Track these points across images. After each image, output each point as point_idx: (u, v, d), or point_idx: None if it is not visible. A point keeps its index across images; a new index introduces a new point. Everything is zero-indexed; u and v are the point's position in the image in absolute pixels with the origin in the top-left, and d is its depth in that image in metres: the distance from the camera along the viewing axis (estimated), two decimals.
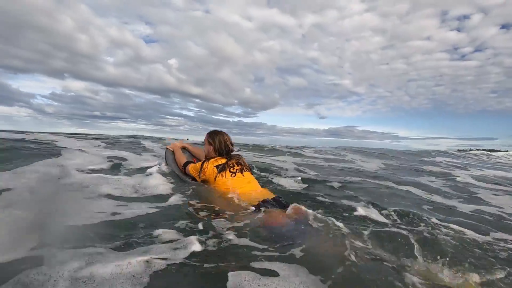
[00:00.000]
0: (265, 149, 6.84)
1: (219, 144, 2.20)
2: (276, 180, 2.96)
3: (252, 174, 2.23)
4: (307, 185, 2.87)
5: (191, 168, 2.25)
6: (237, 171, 2.10)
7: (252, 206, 1.72)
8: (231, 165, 2.11)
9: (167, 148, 2.77)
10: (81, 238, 1.18)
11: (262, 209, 1.64)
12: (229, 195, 1.92)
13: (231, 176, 2.05)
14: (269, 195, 1.91)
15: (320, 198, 2.31)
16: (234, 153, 2.28)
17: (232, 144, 2.25)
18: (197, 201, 1.91)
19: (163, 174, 2.49)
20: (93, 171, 2.52)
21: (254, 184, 2.12)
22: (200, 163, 2.18)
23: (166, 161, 2.69)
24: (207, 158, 2.19)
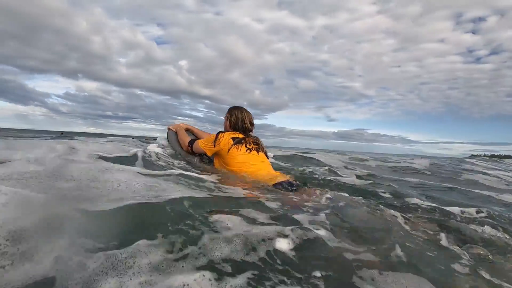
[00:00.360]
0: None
1: (235, 119, 2.11)
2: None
3: (267, 158, 2.15)
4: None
5: (200, 142, 2.13)
6: (253, 149, 2.03)
7: (268, 185, 1.68)
8: (248, 141, 2.04)
9: (169, 129, 2.55)
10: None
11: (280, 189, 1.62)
12: (243, 174, 1.88)
13: (246, 151, 1.98)
14: (283, 177, 1.85)
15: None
16: (253, 134, 2.20)
17: (251, 123, 2.15)
18: (212, 180, 1.71)
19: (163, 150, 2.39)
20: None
21: (267, 164, 2.06)
22: (214, 134, 2.07)
23: (168, 141, 2.51)
24: (223, 130, 2.13)
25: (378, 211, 1.39)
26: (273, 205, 1.33)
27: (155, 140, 2.73)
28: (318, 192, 1.60)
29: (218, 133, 2.05)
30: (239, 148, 1.97)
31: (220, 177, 1.80)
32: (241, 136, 2.05)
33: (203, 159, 2.28)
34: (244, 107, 2.21)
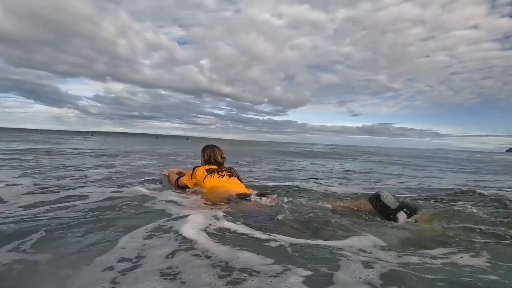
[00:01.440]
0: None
1: (208, 155, 2.74)
2: None
3: (241, 182, 2.67)
4: None
5: (182, 178, 2.69)
6: (225, 175, 2.59)
7: (234, 196, 2.26)
8: (220, 170, 2.62)
9: (163, 174, 3.16)
10: None
11: (247, 198, 2.16)
12: (216, 191, 2.43)
13: (218, 177, 2.55)
14: (244, 191, 2.44)
15: None
16: (227, 165, 2.78)
17: (222, 157, 2.76)
18: (188, 198, 2.39)
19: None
20: None
21: (239, 186, 2.56)
22: (191, 170, 2.65)
23: (162, 183, 3.08)
24: (199, 166, 2.68)
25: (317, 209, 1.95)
26: (226, 208, 2.04)
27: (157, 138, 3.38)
28: (278, 199, 2.14)
29: (193, 168, 2.65)
30: (212, 176, 2.55)
31: (193, 196, 2.45)
32: (214, 167, 2.64)
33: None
34: (216, 145, 2.85)
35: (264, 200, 2.15)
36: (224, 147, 3.33)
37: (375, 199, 1.87)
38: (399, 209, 1.81)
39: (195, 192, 2.55)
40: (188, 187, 2.65)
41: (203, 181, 2.54)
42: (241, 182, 2.71)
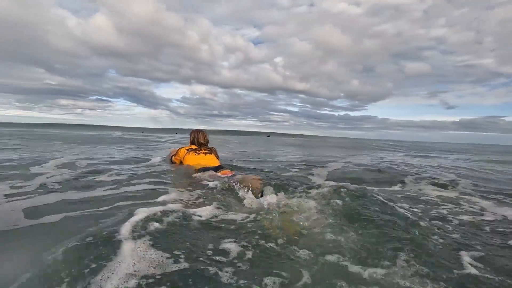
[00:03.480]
0: None
1: (192, 138, 3.49)
2: None
3: (218, 159, 3.38)
4: None
5: (173, 157, 3.54)
6: (202, 153, 3.30)
7: (196, 169, 2.94)
8: (198, 149, 3.34)
9: (170, 152, 4.06)
10: None
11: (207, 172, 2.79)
12: (188, 167, 3.15)
13: (195, 155, 3.27)
14: (213, 164, 3.08)
15: None
16: (210, 145, 3.50)
17: (205, 139, 3.46)
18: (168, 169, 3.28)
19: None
20: None
21: (212, 161, 3.21)
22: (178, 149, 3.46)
23: (165, 159, 4.09)
24: (184, 147, 3.47)
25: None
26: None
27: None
28: (229, 171, 2.72)
29: (178, 149, 3.47)
30: (191, 154, 3.30)
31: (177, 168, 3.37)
32: (195, 147, 3.40)
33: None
34: (201, 130, 3.55)
35: (217, 174, 2.72)
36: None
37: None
38: None
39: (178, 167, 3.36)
40: (177, 164, 3.46)
41: (183, 158, 3.33)
42: (218, 159, 3.40)
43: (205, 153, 3.30)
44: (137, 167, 3.50)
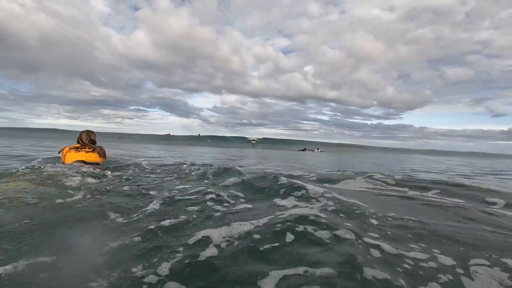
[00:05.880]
0: None
1: (78, 137, 3.71)
2: None
3: (100, 156, 3.60)
4: None
5: (61, 155, 3.65)
6: (82, 150, 3.51)
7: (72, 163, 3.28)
8: (80, 148, 3.54)
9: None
10: None
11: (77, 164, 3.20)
12: (66, 163, 3.34)
13: (75, 152, 3.48)
14: (85, 158, 3.43)
15: None
16: (98, 145, 3.75)
17: (87, 138, 3.68)
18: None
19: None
20: None
21: (92, 157, 3.49)
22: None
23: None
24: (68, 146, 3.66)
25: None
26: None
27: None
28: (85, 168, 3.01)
29: (62, 149, 3.60)
30: (71, 152, 3.50)
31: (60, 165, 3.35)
32: (78, 145, 3.60)
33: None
34: (89, 130, 3.80)
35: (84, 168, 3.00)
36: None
37: None
38: None
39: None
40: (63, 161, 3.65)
41: (65, 156, 3.49)
42: (101, 158, 3.67)
43: (86, 151, 3.51)
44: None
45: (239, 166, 3.62)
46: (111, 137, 49.66)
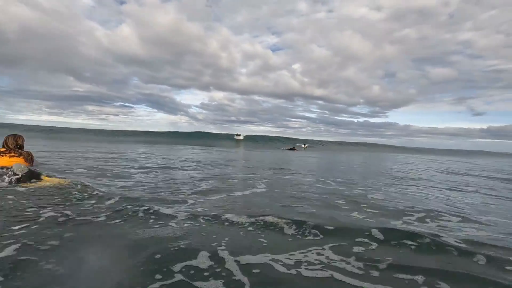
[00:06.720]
0: None
1: (3, 142, 3.61)
2: None
3: (26, 161, 3.53)
4: None
5: None
6: (6, 156, 3.42)
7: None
8: (4, 153, 3.43)
9: None
10: None
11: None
12: None
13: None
14: (8, 164, 3.26)
15: None
16: (26, 150, 3.68)
17: (13, 143, 3.59)
18: None
19: None
20: None
21: (13, 161, 3.34)
22: None
23: None
24: None
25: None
26: None
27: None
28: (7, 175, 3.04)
29: None
30: None
31: None
32: (2, 150, 3.51)
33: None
34: (16, 134, 3.73)
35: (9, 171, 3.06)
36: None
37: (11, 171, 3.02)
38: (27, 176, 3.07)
39: None
40: None
41: None
42: (28, 162, 3.57)
43: (10, 156, 3.44)
44: None
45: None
46: (99, 134, 48.09)
